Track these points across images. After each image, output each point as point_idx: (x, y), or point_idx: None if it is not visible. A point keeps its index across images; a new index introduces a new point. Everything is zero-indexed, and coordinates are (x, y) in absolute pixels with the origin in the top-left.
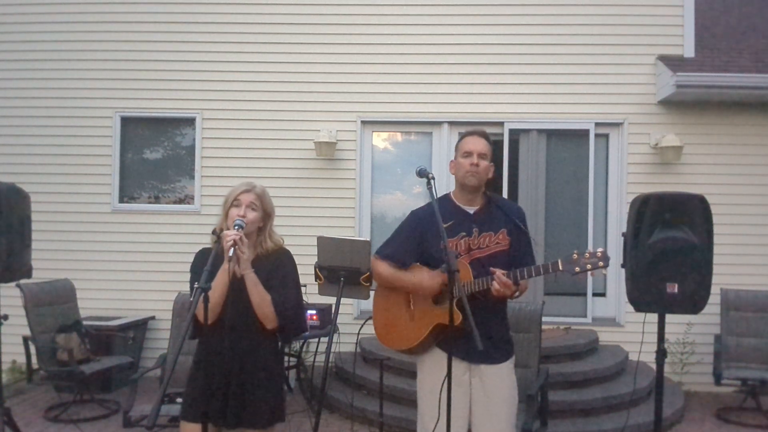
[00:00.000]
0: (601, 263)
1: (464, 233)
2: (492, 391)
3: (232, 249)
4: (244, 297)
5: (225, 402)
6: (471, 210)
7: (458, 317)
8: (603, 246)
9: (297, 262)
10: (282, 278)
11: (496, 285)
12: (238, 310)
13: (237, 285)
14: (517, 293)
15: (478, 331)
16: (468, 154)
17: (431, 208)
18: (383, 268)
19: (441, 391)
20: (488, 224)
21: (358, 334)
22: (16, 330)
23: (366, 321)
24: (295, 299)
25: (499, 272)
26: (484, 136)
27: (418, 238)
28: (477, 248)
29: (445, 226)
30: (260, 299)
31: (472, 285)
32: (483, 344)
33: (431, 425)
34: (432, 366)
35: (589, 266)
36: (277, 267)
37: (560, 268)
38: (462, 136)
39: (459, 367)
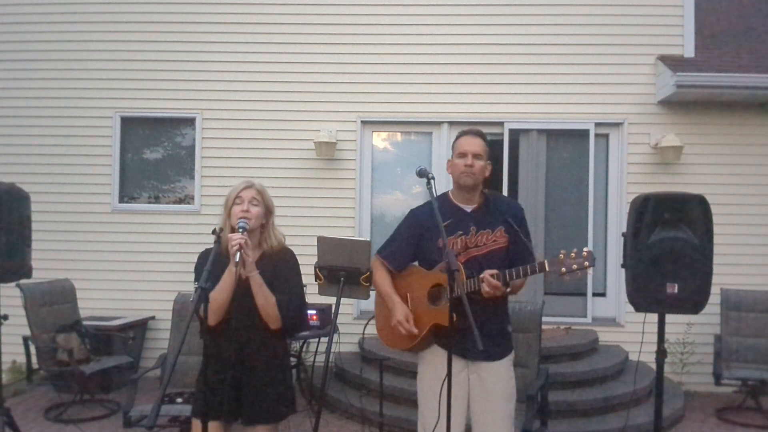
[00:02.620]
0: (587, 263)
1: (461, 232)
2: (490, 387)
3: (238, 253)
4: (249, 297)
5: (238, 400)
6: (468, 208)
7: (454, 317)
8: (603, 246)
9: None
10: (285, 278)
11: (485, 287)
12: (245, 310)
13: (242, 286)
14: (509, 292)
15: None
16: (462, 155)
17: (430, 207)
18: (379, 275)
19: (441, 390)
20: (486, 222)
21: (363, 333)
22: (16, 330)
23: (369, 321)
24: (298, 299)
25: (488, 274)
26: (480, 135)
27: (416, 237)
28: (474, 246)
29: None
30: (264, 301)
31: (463, 286)
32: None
33: (431, 422)
34: (432, 363)
35: (575, 266)
36: (280, 266)
37: (546, 268)
38: (457, 136)
39: (457, 364)
